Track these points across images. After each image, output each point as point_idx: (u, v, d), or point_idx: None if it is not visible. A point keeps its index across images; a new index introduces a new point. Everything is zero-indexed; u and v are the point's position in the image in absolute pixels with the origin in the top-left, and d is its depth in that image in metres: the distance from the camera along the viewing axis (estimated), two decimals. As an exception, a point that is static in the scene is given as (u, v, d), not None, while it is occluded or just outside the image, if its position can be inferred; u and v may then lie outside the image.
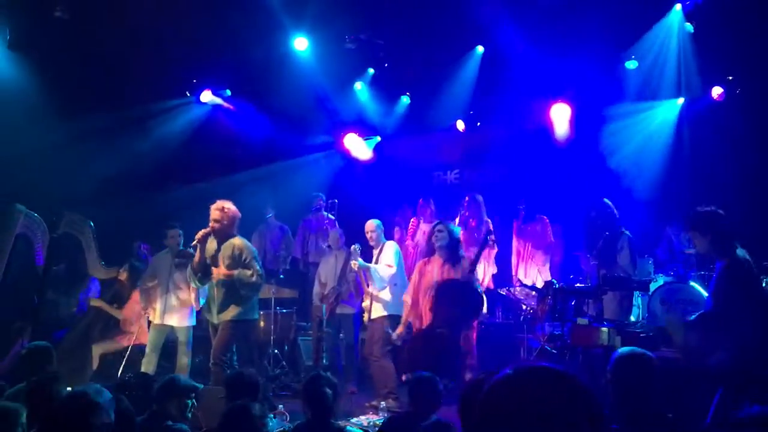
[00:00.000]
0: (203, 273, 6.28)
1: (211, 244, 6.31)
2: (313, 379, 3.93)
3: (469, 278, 6.02)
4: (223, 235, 6.25)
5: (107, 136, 8.78)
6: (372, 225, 7.35)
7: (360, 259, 7.01)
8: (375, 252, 7.26)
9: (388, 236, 9.30)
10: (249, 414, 3.46)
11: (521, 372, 1.38)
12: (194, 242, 6.19)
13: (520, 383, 1.36)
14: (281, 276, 8.97)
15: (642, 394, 3.10)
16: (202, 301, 7.12)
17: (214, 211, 6.21)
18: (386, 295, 6.95)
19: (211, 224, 6.20)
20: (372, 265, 7.04)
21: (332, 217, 8.99)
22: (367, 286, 7.04)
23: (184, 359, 7.11)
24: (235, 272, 6.09)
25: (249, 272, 6.12)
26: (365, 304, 7.06)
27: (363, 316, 7.18)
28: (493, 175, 10.19)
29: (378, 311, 6.93)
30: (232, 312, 6.17)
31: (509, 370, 1.39)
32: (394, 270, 6.99)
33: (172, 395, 4.16)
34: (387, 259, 7.04)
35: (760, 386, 4.12)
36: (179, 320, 7.11)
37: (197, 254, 6.26)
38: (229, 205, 6.28)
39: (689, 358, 4.48)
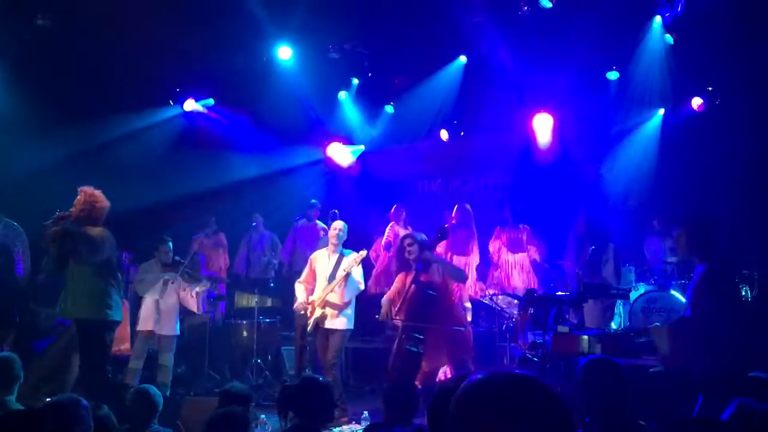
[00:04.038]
0: (60, 260, 5.78)
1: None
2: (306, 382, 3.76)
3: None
4: (86, 225, 5.73)
5: (90, 145, 8.73)
6: (341, 224, 7.04)
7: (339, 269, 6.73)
8: (333, 255, 6.86)
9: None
10: (236, 420, 3.44)
11: (495, 377, 1.40)
12: (49, 222, 5.69)
13: (494, 388, 1.39)
14: (272, 285, 8.94)
15: (610, 401, 3.13)
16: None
17: (78, 197, 5.75)
18: (351, 309, 6.75)
19: (70, 209, 5.73)
20: (356, 278, 6.75)
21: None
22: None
23: (166, 366, 7.19)
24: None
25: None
26: (320, 311, 6.69)
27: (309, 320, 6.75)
28: (476, 185, 10.25)
29: (343, 324, 6.68)
30: (90, 310, 5.66)
31: (481, 375, 1.42)
32: (363, 287, 6.89)
33: (151, 406, 4.14)
34: (357, 275, 6.76)
35: (740, 393, 4.16)
36: (167, 329, 7.25)
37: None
38: (92, 191, 5.80)
39: (670, 364, 4.50)
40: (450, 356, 5.84)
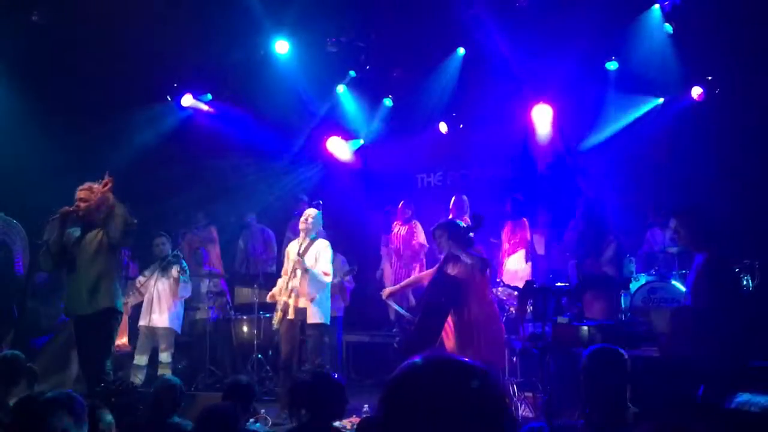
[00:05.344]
0: (59, 256, 5.66)
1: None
2: (319, 378, 3.75)
3: None
4: (91, 220, 5.66)
5: (87, 141, 8.69)
6: (312, 212, 6.96)
7: (305, 259, 6.59)
8: (302, 243, 6.77)
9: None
10: (225, 414, 3.45)
11: (430, 362, 1.35)
12: (54, 217, 5.60)
13: (428, 373, 1.33)
14: (261, 281, 8.92)
15: (612, 391, 3.10)
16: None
17: (81, 191, 5.62)
18: (319, 303, 6.64)
19: (76, 204, 5.58)
20: (316, 271, 6.59)
21: None
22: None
23: (164, 363, 7.28)
24: None
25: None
26: (290, 300, 6.59)
27: (278, 315, 6.68)
28: (476, 177, 10.22)
29: (318, 317, 6.61)
30: (97, 300, 5.57)
31: (418, 359, 1.35)
32: (330, 279, 6.70)
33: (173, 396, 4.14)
34: (324, 266, 6.62)
35: (741, 382, 4.13)
36: (161, 320, 7.31)
37: (55, 232, 5.62)
38: (99, 187, 5.66)
39: (669, 352, 4.48)
40: (473, 356, 5.34)
